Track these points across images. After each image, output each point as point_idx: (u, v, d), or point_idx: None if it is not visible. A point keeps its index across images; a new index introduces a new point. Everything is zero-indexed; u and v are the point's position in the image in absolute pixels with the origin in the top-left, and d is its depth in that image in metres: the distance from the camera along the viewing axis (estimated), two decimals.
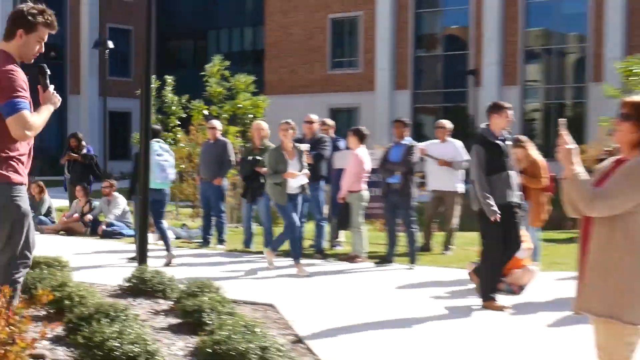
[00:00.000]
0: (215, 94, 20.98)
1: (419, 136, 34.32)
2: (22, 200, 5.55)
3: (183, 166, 23.17)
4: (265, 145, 14.25)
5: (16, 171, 5.54)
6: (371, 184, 14.03)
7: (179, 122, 22.68)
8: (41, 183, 19.21)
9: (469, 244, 14.97)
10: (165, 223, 13.49)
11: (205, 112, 21.22)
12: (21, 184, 5.57)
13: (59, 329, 6.86)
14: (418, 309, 9.39)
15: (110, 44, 25.78)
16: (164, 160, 12.91)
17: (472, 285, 10.49)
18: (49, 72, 5.72)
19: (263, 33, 48.05)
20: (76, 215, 17.86)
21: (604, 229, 4.44)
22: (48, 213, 18.85)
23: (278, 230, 16.95)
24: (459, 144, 14.51)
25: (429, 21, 42.93)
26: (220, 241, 15.46)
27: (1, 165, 5.49)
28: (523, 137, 12.20)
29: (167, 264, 12.53)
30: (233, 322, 6.45)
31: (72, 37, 50.55)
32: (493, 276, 9.63)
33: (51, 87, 5.74)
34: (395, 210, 12.77)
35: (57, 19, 5.79)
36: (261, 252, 14.17)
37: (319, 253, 13.87)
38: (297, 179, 12.17)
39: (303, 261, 12.90)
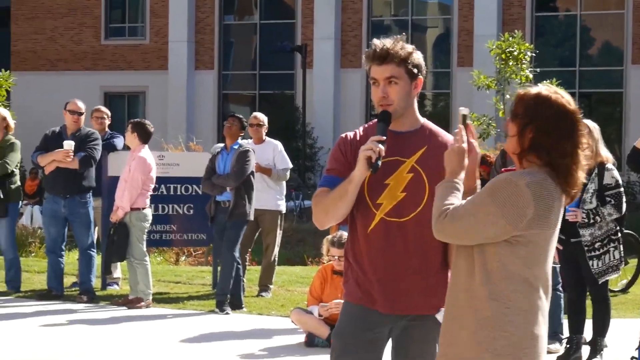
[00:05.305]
0: None
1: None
2: None
3: None
4: (8, 141, 9.48)
5: None
6: (156, 199, 9.43)
7: None
8: None
9: (294, 282, 10.31)
10: None
11: None
12: None
13: None
14: None
15: None
16: None
17: (296, 340, 7.19)
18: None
19: None
20: None
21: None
22: None
23: None
24: (279, 145, 9.65)
25: None
26: None
27: None
28: None
29: None
30: None
31: None
32: None
33: None
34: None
35: None
36: None
37: (86, 294, 9.09)
38: None
39: (59, 306, 8.72)
